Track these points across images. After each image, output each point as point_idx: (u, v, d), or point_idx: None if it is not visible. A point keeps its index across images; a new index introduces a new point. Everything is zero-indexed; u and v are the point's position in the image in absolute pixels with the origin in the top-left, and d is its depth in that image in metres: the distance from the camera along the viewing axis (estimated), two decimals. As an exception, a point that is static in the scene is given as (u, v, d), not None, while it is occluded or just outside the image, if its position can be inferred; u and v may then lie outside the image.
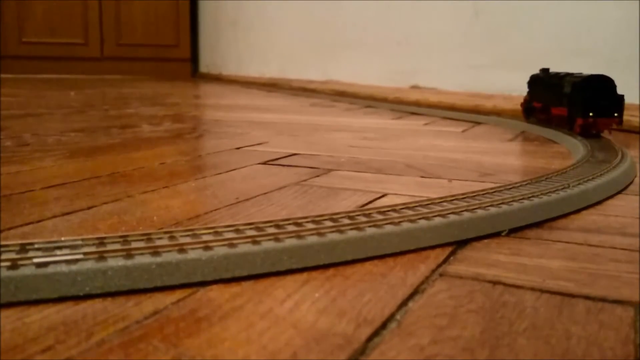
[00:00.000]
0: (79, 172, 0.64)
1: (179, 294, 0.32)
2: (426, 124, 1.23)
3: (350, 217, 0.41)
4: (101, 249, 0.33)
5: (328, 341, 0.27)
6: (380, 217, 0.41)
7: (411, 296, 0.33)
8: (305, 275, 0.35)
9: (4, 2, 2.89)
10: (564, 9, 1.43)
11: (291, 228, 0.38)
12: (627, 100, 0.86)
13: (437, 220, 0.41)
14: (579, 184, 0.53)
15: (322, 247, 0.37)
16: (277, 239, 0.36)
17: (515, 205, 0.46)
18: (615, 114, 0.85)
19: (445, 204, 0.45)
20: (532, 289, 0.34)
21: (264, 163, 0.73)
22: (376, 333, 0.28)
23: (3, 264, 0.31)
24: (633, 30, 1.29)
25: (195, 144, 0.90)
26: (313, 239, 0.37)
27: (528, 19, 1.51)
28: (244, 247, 0.35)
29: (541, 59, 1.47)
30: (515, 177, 0.64)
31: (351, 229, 0.39)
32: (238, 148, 0.84)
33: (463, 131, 1.11)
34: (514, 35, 1.55)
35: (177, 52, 3.26)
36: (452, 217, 0.42)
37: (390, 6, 1.92)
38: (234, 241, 0.35)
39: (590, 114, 0.84)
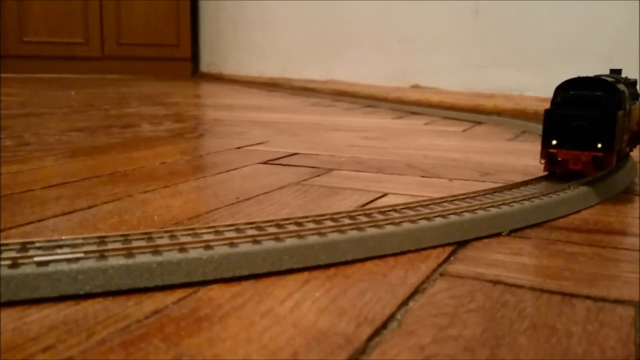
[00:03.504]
0: (80, 172, 0.64)
1: (179, 293, 0.32)
2: (427, 124, 1.22)
3: (351, 217, 0.41)
4: (102, 247, 0.33)
5: (329, 340, 0.27)
6: (380, 217, 0.41)
7: (412, 296, 0.33)
8: (305, 274, 0.35)
9: (4, 2, 2.88)
10: (564, 9, 1.43)
11: (292, 227, 0.38)
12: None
13: (438, 220, 0.41)
14: (580, 184, 0.53)
15: (322, 246, 0.37)
16: (277, 239, 0.36)
17: (516, 206, 0.46)
18: (599, 145, 0.51)
19: (446, 204, 0.45)
20: (533, 288, 0.34)
21: (265, 162, 0.73)
22: (377, 332, 0.28)
23: (4, 262, 0.31)
24: (633, 30, 1.29)
25: (195, 144, 0.90)
26: (314, 239, 0.37)
27: (528, 18, 1.51)
28: (245, 247, 0.35)
29: (541, 59, 1.47)
30: (516, 177, 0.64)
31: (352, 229, 0.39)
32: (238, 147, 0.84)
33: (463, 131, 1.11)
34: (514, 35, 1.55)
35: (177, 51, 3.26)
36: (453, 217, 0.42)
37: (391, 6, 1.92)
38: (235, 240, 0.35)
39: (553, 143, 0.53)
